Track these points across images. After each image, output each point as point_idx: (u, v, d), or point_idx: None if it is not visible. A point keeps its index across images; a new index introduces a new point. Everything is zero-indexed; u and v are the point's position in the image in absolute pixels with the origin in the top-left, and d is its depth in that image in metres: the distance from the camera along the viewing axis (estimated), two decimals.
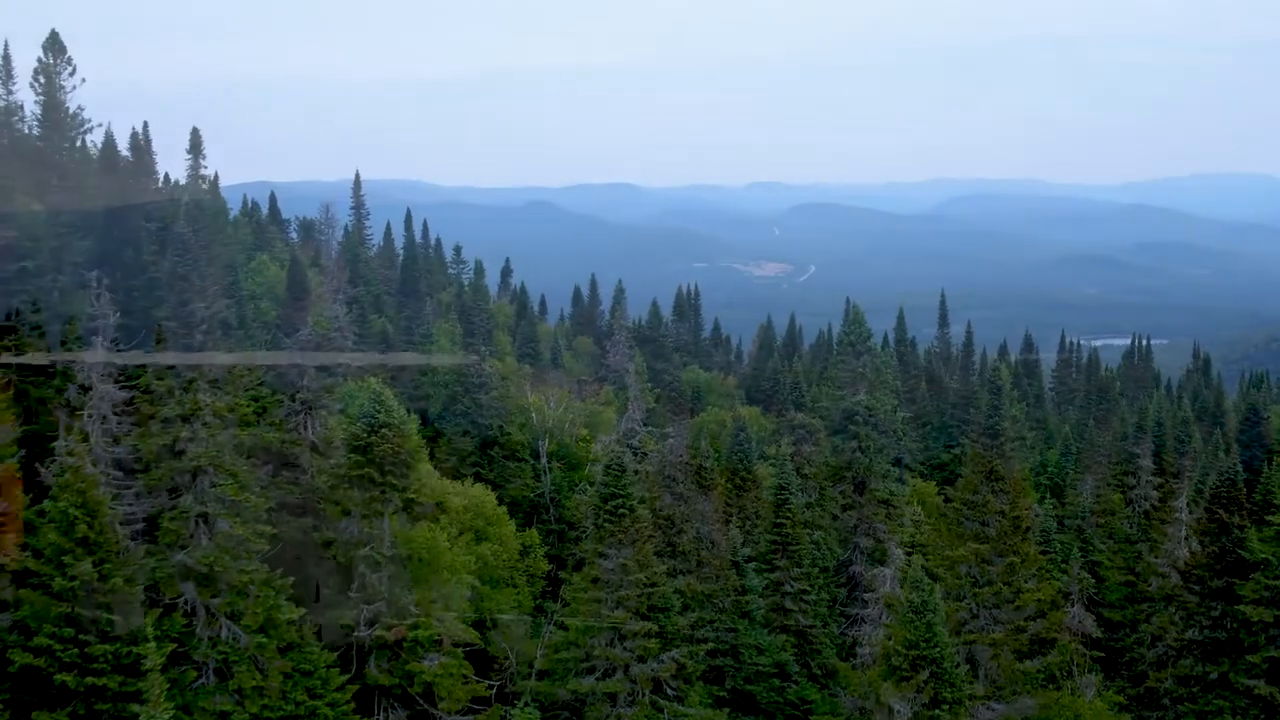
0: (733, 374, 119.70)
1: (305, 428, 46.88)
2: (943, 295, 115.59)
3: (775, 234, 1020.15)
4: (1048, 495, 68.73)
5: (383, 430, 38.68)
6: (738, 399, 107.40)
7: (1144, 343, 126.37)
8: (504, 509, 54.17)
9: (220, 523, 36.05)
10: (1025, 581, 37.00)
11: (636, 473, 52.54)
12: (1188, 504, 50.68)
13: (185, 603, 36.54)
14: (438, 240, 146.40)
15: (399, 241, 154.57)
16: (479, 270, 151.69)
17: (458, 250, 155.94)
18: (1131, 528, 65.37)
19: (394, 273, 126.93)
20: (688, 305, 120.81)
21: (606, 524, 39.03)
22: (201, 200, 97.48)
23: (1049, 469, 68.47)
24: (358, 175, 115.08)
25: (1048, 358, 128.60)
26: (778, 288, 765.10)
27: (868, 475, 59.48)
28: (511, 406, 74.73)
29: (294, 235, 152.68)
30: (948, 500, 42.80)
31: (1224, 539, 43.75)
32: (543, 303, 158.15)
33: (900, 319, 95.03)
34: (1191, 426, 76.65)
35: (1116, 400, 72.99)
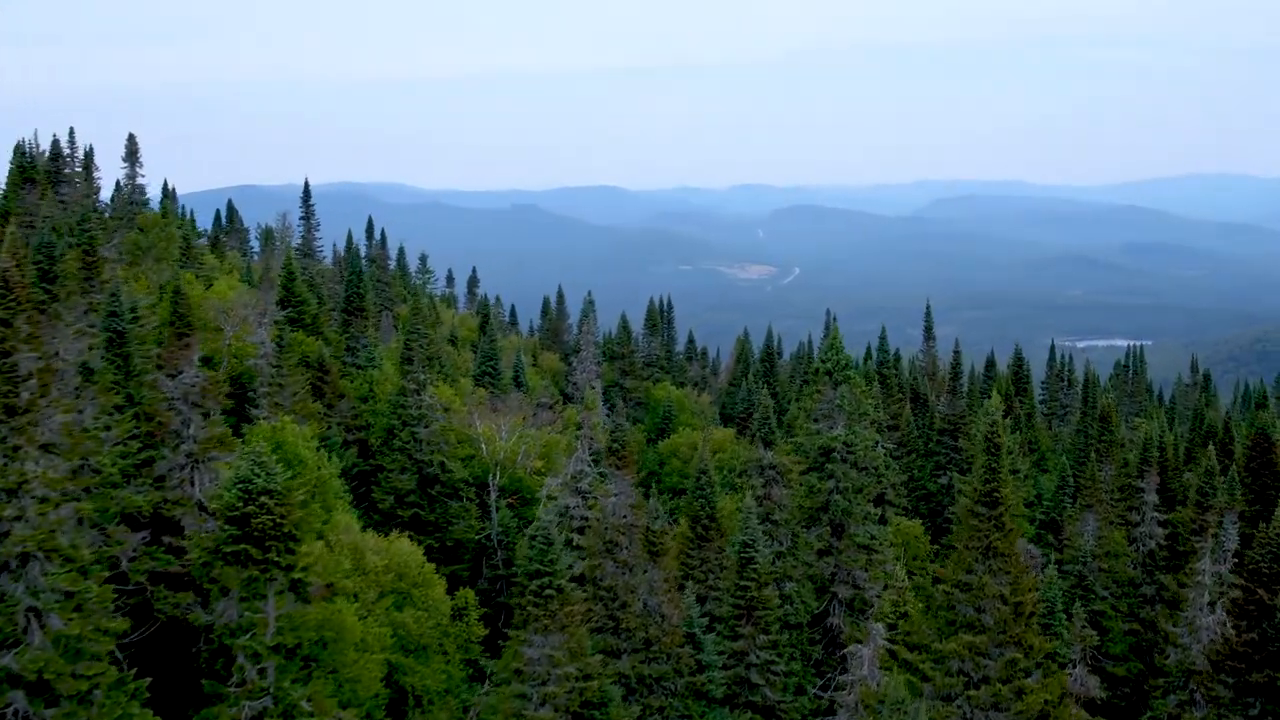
0: (707, 390, 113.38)
1: (192, 484, 40.48)
2: (928, 306, 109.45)
3: (759, 236, 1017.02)
4: (1044, 534, 62.73)
5: (262, 499, 32.26)
6: (712, 417, 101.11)
7: (1137, 350, 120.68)
8: (431, 567, 47.78)
9: (53, 619, 29.68)
10: (1029, 677, 30.88)
11: (580, 530, 46.29)
12: (1210, 555, 44.57)
13: (15, 714, 30.15)
14: (401, 249, 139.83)
15: (365, 250, 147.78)
16: (422, 285, 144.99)
17: (424, 259, 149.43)
18: (1135, 568, 59.40)
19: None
20: (660, 317, 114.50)
21: (531, 607, 32.69)
22: (126, 210, 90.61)
23: (1045, 501, 62.50)
24: (306, 183, 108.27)
25: (1036, 361, 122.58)
26: (762, 290, 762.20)
27: (846, 518, 53.24)
28: (456, 438, 68.46)
29: (256, 245, 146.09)
30: (936, 580, 36.78)
31: (1265, 625, 37.38)
32: (513, 313, 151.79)
33: (883, 335, 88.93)
34: (1198, 455, 70.76)
35: (1117, 429, 67.08)
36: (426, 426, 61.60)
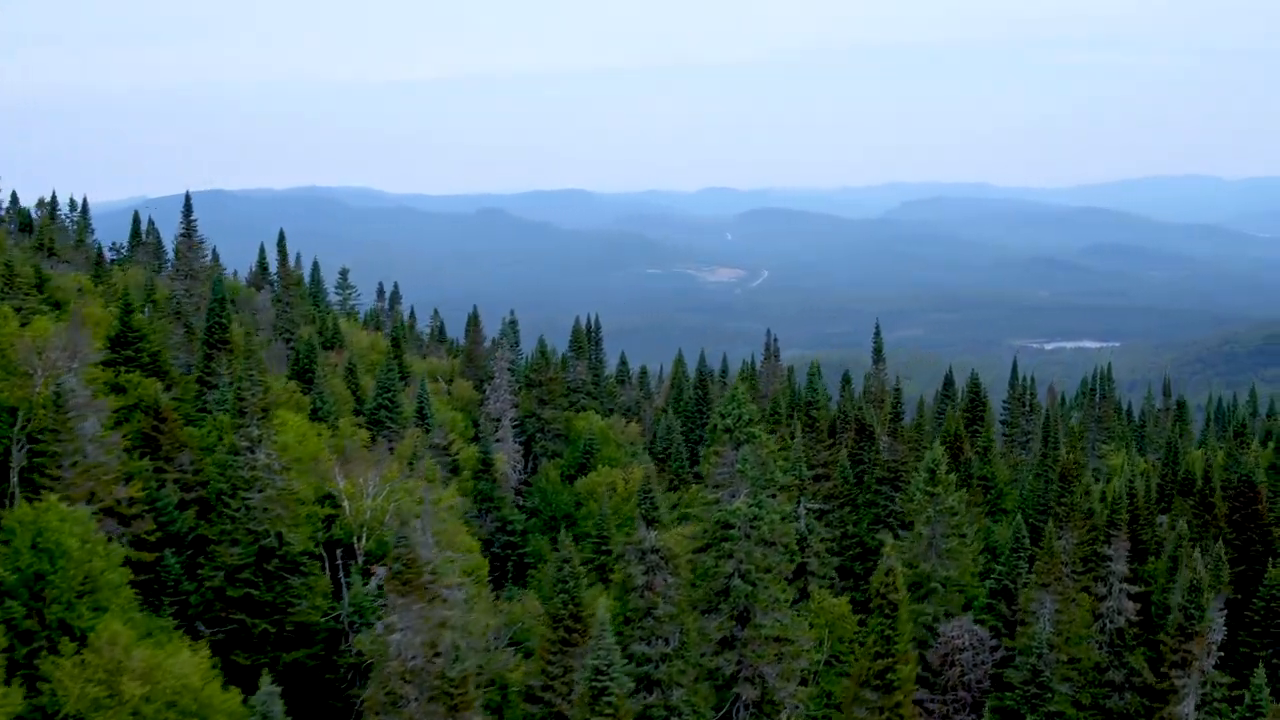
0: (640, 418, 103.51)
1: None
2: (877, 327, 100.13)
3: (728, 239, 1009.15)
4: (996, 604, 53.31)
5: None
6: (640, 451, 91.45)
7: (1104, 370, 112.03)
8: (216, 688, 37.77)
9: None
10: None
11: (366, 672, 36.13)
12: (1195, 695, 35.30)
13: None
14: (315, 264, 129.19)
15: (308, 271, 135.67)
16: (344, 301, 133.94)
17: (344, 274, 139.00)
18: (1101, 649, 50.19)
19: (249, 311, 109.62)
20: (587, 338, 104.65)
21: None
22: None
23: (996, 572, 53.19)
24: (187, 196, 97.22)
25: (1004, 364, 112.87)
26: (731, 293, 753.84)
27: (752, 604, 43.67)
28: (315, 495, 58.41)
29: (171, 258, 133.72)
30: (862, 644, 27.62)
31: None
32: (441, 331, 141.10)
33: (814, 370, 79.08)
34: (1175, 507, 61.84)
35: (1079, 487, 57.75)
36: (261, 491, 51.52)
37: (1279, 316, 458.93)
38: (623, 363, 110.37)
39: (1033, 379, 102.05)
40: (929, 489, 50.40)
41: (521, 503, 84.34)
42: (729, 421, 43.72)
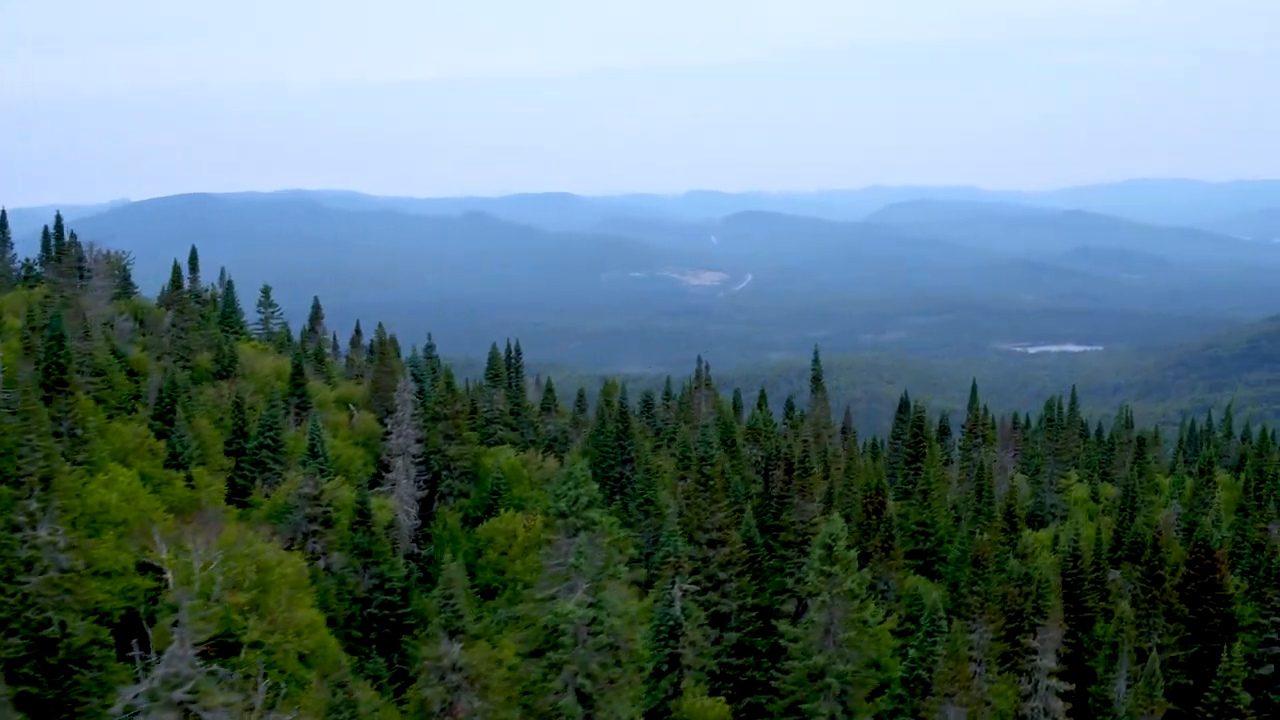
0: (565, 451, 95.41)
1: None
2: (815, 353, 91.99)
3: (713, 242, 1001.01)
4: (910, 697, 45.59)
5: None
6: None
7: (1066, 403, 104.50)
8: None
9: None
10: None
11: None
12: None
13: None
14: (229, 282, 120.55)
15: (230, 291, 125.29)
16: (266, 321, 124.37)
17: (266, 292, 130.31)
18: None
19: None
20: (506, 366, 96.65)
21: None
22: None
23: (910, 658, 45.39)
24: (58, 215, 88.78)
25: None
26: (714, 297, 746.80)
27: None
28: (134, 564, 50.61)
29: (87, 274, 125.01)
30: None
31: None
32: (378, 350, 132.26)
33: (762, 396, 71.29)
34: (1124, 574, 54.28)
35: (995, 573, 49.87)
36: (42, 573, 43.76)
37: (1263, 320, 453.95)
38: (548, 390, 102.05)
39: (986, 409, 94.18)
40: (825, 568, 42.75)
41: (419, 551, 76.71)
42: (564, 505, 35.97)
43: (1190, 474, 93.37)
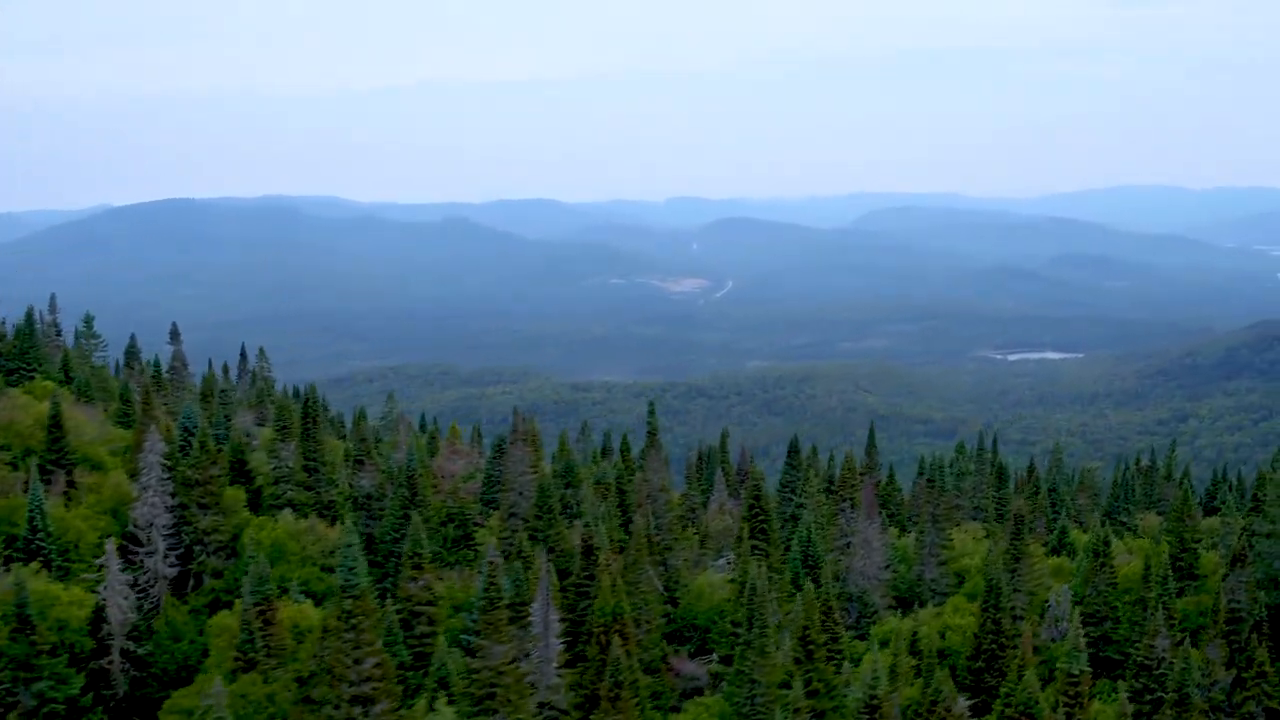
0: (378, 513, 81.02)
1: None
2: (651, 407, 77.34)
3: (694, 249, 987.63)
4: None
5: None
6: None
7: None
8: None
9: None
10: None
11: None
12: None
13: None
14: (30, 310, 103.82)
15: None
16: (88, 354, 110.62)
17: (89, 320, 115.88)
18: None
19: None
20: (304, 414, 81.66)
21: None
22: None
23: None
24: None
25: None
26: (694, 304, 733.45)
27: None
28: None
29: None
30: None
31: None
32: (209, 371, 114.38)
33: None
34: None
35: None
36: None
37: (1242, 328, 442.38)
38: (362, 438, 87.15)
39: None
40: None
41: (138, 650, 62.63)
42: None
43: (1112, 534, 79.48)
